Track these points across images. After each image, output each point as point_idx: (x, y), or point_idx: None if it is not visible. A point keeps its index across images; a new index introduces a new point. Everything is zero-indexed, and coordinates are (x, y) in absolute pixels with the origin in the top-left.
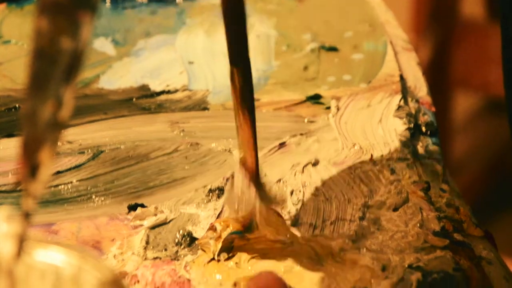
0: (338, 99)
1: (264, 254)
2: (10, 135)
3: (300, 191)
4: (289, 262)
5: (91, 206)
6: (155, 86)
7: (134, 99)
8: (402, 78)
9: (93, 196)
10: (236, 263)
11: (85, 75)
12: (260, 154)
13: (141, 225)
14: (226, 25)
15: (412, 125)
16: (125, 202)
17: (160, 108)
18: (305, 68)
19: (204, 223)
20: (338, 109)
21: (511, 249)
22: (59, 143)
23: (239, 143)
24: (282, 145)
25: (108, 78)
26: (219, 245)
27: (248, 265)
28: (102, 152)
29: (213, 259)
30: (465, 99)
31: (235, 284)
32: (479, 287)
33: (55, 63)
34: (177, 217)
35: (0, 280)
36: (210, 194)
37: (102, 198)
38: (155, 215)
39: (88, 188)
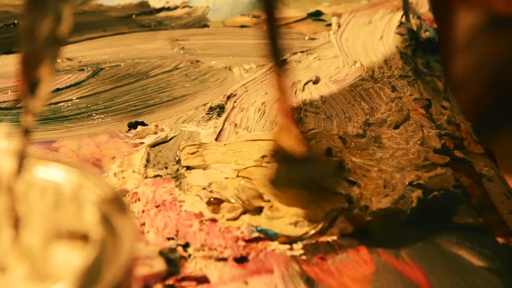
0: (339, 15)
1: None
2: (9, 52)
3: (301, 109)
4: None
5: (91, 123)
6: (155, 3)
7: (133, 16)
8: None
9: (93, 114)
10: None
11: None
12: (260, 72)
13: (142, 143)
14: None
15: (413, 42)
16: (125, 120)
17: (159, 25)
18: None
19: (204, 141)
20: (339, 26)
21: (511, 166)
22: (58, 60)
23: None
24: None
25: None
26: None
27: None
28: (102, 69)
29: None
30: (467, 16)
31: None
32: (479, 204)
33: None
34: (177, 135)
35: (0, 197)
36: (211, 112)
37: (102, 116)
38: (156, 133)
39: (88, 106)
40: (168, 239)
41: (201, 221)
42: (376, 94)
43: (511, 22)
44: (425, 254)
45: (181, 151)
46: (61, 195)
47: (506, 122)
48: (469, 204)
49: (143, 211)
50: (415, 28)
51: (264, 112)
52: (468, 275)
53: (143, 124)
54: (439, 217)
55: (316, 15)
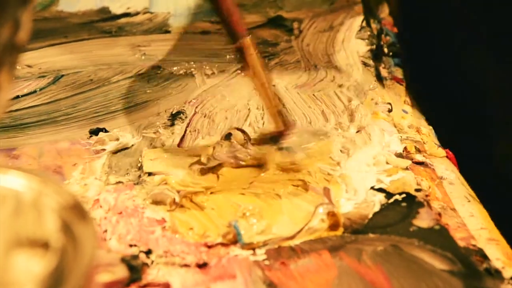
0: (300, 21)
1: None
2: None
3: (262, 113)
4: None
5: (52, 130)
6: (116, 9)
7: (94, 22)
8: None
9: (54, 121)
10: None
11: None
12: (222, 77)
13: (103, 150)
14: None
15: (374, 47)
16: (86, 127)
17: (121, 31)
18: None
19: (166, 146)
20: (300, 31)
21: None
22: (17, 67)
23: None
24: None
25: (67, 1)
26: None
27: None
28: (62, 76)
29: None
30: None
31: None
32: (440, 207)
33: None
34: (139, 141)
35: None
36: (172, 118)
37: (63, 123)
38: (117, 139)
39: (49, 113)
40: (130, 245)
41: (163, 228)
42: (337, 98)
43: None
44: (387, 257)
45: (143, 157)
46: (21, 203)
47: (466, 125)
48: (430, 207)
49: (105, 218)
50: (375, 32)
51: (226, 118)
52: (430, 278)
53: (104, 130)
54: (401, 220)
55: (277, 20)
